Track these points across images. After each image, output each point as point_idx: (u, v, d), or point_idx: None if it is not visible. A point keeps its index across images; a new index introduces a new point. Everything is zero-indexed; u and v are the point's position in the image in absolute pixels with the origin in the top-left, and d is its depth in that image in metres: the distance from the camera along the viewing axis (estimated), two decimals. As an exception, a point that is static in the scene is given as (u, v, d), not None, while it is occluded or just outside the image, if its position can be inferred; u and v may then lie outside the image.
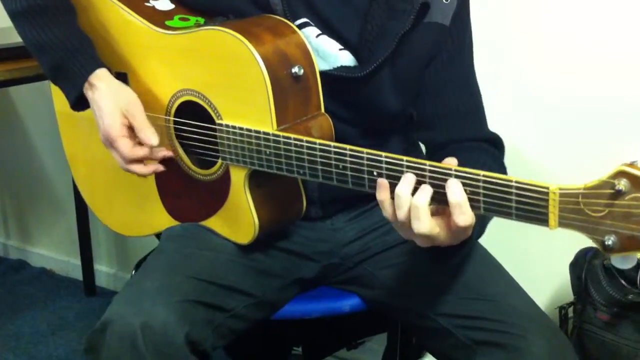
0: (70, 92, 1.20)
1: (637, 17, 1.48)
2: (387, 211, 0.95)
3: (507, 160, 1.67)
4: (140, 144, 1.15)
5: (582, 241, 1.52)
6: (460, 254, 1.04)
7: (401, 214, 0.93)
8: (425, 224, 0.91)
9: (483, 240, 1.21)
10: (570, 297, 1.55)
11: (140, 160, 1.17)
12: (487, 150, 1.16)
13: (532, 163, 1.64)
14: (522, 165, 1.65)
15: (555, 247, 1.54)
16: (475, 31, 1.21)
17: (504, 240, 1.37)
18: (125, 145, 1.15)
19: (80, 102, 1.20)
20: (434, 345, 1.16)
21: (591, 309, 1.46)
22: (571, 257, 1.53)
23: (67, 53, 1.18)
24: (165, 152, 1.19)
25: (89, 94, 1.17)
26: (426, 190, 0.91)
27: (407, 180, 0.93)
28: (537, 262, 1.66)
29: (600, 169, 1.59)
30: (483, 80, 1.52)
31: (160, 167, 1.19)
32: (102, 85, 1.17)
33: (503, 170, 1.15)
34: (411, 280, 1.16)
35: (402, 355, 1.43)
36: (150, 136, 1.14)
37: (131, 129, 1.16)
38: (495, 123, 1.66)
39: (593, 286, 1.46)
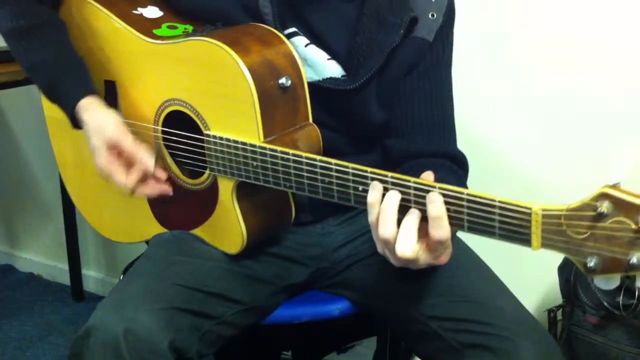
0: (65, 115, 1.20)
1: (637, 17, 1.49)
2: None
3: (507, 160, 1.68)
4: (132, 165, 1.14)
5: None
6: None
7: (386, 230, 0.93)
8: (412, 245, 0.91)
9: (472, 244, 1.21)
10: (559, 300, 1.55)
11: (143, 181, 1.15)
12: (450, 168, 1.16)
13: (532, 163, 1.65)
14: (521, 166, 1.65)
15: (544, 250, 1.55)
16: (475, 31, 1.22)
17: (493, 242, 1.37)
18: (119, 178, 1.13)
19: (77, 124, 1.19)
20: (423, 349, 1.16)
21: (580, 312, 1.46)
22: (560, 260, 1.53)
23: (56, 77, 1.18)
24: (160, 173, 1.18)
25: (80, 119, 1.17)
26: (415, 214, 0.92)
27: (393, 194, 0.93)
28: (526, 265, 1.65)
29: (599, 170, 1.60)
30: (483, 80, 1.53)
31: (168, 190, 1.17)
32: (89, 119, 1.15)
33: None
34: (400, 283, 1.16)
35: (392, 358, 1.42)
36: (146, 160, 1.12)
37: (121, 155, 1.14)
38: (495, 123, 1.66)
39: (582, 289, 1.46)
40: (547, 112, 1.61)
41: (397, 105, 1.18)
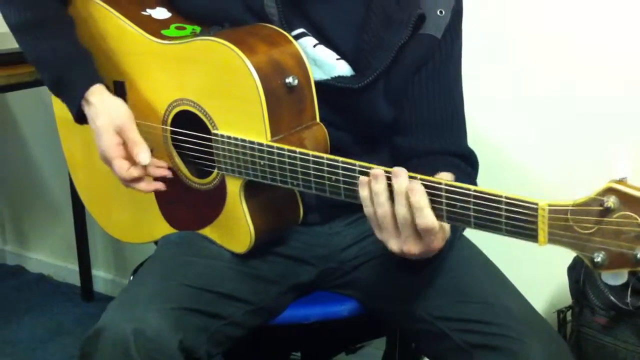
0: (70, 108, 1.20)
1: (636, 17, 1.48)
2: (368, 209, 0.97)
3: (507, 160, 1.67)
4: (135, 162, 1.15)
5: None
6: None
7: (381, 209, 0.95)
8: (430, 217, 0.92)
9: (481, 244, 1.21)
10: (568, 300, 1.54)
11: (140, 178, 1.15)
12: (459, 166, 1.16)
13: (532, 163, 1.64)
14: (521, 165, 1.65)
15: (553, 250, 1.54)
16: (475, 31, 1.21)
17: (502, 243, 1.36)
18: (121, 167, 1.14)
19: (81, 118, 1.20)
20: (431, 349, 1.16)
21: (589, 313, 1.46)
22: (569, 261, 1.53)
23: (64, 68, 1.18)
24: (163, 171, 1.18)
25: (86, 109, 1.17)
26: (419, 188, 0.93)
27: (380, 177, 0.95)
28: (535, 266, 1.65)
29: (599, 170, 1.60)
30: (483, 80, 1.52)
31: (161, 187, 1.18)
32: (96, 102, 1.16)
33: None
34: (407, 283, 1.16)
35: (401, 359, 1.42)
36: (141, 155, 1.12)
37: (124, 144, 1.15)
38: (495, 123, 1.66)
39: (591, 290, 1.45)
40: (547, 112, 1.60)
41: (406, 104, 1.17)
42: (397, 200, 0.94)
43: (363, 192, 0.96)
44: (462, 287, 1.11)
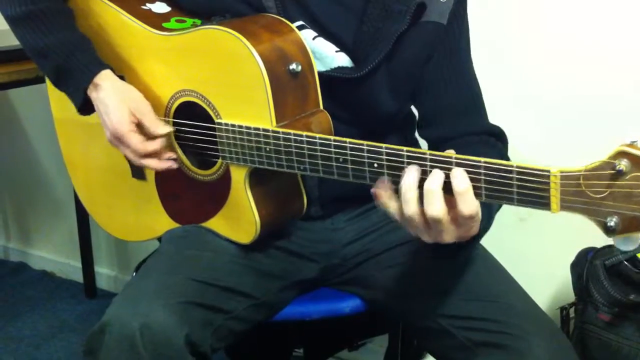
0: (75, 94, 1.20)
1: (637, 17, 1.48)
2: (393, 208, 0.94)
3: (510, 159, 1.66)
4: (150, 138, 1.15)
5: (582, 241, 1.52)
6: (467, 252, 1.04)
7: (409, 209, 0.91)
8: (440, 207, 0.89)
9: (484, 241, 1.21)
10: (571, 297, 1.54)
11: (151, 156, 1.16)
12: (488, 142, 1.16)
13: (533, 162, 1.64)
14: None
15: (556, 247, 1.54)
16: (475, 31, 1.22)
17: (505, 240, 1.37)
18: (137, 140, 1.14)
19: (86, 105, 1.20)
20: (434, 346, 1.16)
21: (592, 309, 1.46)
22: (572, 258, 1.53)
23: (69, 55, 1.18)
24: (172, 154, 1.19)
25: (94, 94, 1.17)
26: (438, 175, 0.90)
27: (412, 172, 0.92)
28: (538, 263, 1.65)
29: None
30: (483, 79, 1.51)
31: (174, 165, 1.18)
32: (106, 85, 1.17)
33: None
34: (412, 281, 1.16)
35: (403, 356, 1.42)
36: (161, 128, 1.14)
37: (139, 126, 1.15)
38: (496, 122, 1.66)
39: (594, 286, 1.45)
40: (548, 112, 1.60)
41: (425, 95, 1.18)
42: (427, 199, 0.90)
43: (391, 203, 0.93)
44: (465, 285, 1.11)
